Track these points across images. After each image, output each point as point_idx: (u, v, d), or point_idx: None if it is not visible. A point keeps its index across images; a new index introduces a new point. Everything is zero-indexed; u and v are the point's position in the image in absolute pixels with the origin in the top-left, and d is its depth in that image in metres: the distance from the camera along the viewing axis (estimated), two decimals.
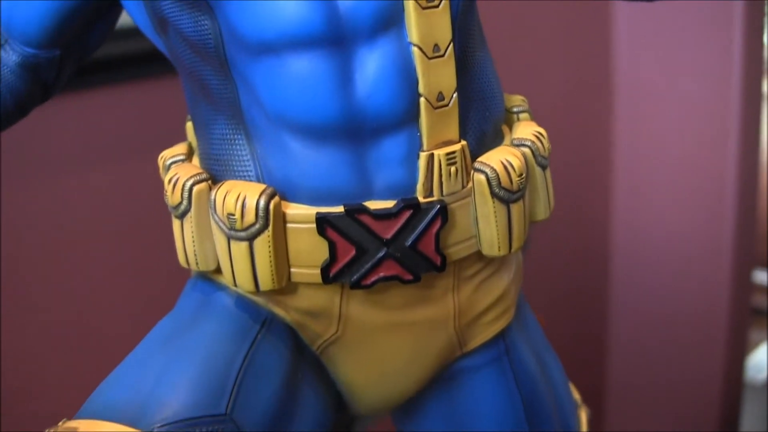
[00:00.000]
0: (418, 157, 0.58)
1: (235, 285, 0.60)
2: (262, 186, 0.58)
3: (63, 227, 1.07)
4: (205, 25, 0.58)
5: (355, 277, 0.59)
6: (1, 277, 1.03)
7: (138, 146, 1.11)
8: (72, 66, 0.70)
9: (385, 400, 0.69)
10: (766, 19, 1.56)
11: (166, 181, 0.62)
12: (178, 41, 0.61)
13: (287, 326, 0.63)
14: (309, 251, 0.59)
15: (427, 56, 0.57)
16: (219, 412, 0.57)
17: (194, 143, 0.66)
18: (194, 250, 0.61)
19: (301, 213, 0.58)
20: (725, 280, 1.63)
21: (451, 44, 0.58)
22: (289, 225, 0.58)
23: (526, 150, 0.63)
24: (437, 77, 0.58)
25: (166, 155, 0.65)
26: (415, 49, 0.57)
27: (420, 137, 0.58)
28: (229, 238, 0.58)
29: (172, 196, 0.61)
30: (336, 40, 0.56)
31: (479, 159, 0.60)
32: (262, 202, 0.57)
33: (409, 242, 0.59)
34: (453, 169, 0.59)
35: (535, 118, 0.69)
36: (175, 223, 0.62)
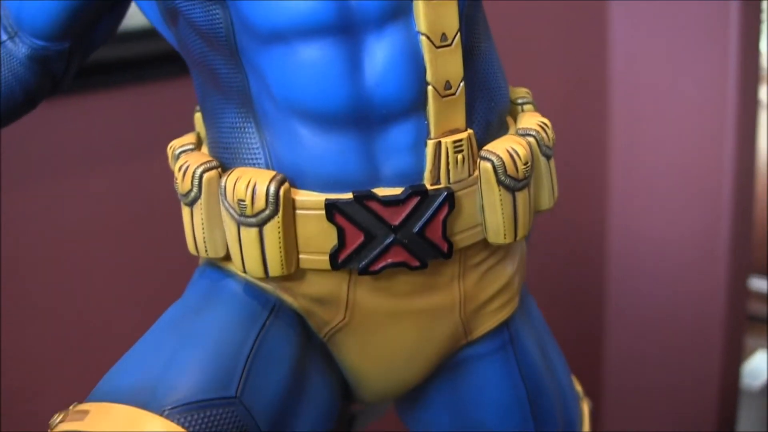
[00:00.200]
0: (425, 144, 0.59)
1: (245, 271, 0.60)
2: (272, 172, 0.59)
3: (63, 228, 1.07)
4: (217, 15, 0.59)
5: (363, 263, 0.60)
6: (1, 277, 1.03)
7: (137, 148, 1.11)
8: (81, 58, 0.70)
9: (391, 388, 0.69)
10: (762, 26, 1.57)
11: (176, 169, 0.62)
12: (188, 32, 0.62)
13: (295, 313, 0.64)
14: (318, 237, 0.59)
15: (434, 45, 0.58)
16: (229, 394, 0.58)
17: (203, 133, 0.67)
18: (203, 237, 0.62)
19: (310, 199, 0.59)
20: (721, 286, 1.63)
21: (459, 34, 0.59)
22: (298, 211, 0.59)
23: (531, 139, 0.64)
24: (445, 66, 0.59)
25: (175, 145, 0.66)
26: (423, 38, 0.58)
27: (427, 125, 0.59)
28: (239, 224, 0.59)
29: (183, 184, 0.61)
30: (345, 28, 0.57)
31: (485, 147, 0.61)
32: (272, 188, 0.57)
33: (416, 229, 0.59)
34: (460, 156, 0.60)
35: None
36: (185, 211, 0.62)
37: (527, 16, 1.50)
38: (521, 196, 0.62)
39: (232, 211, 0.59)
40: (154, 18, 0.66)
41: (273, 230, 0.58)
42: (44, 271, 1.07)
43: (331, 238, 0.59)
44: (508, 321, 0.69)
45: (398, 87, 0.58)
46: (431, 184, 0.60)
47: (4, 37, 0.67)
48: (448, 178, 0.60)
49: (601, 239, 1.76)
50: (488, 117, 0.63)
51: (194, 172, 0.60)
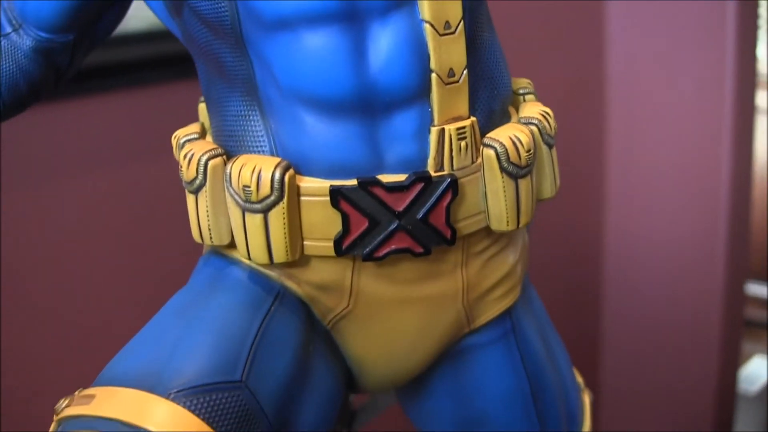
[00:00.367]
0: (429, 131, 0.60)
1: (249, 258, 0.61)
2: (277, 159, 0.59)
3: (63, 229, 1.07)
4: (222, 3, 0.59)
5: (367, 249, 0.60)
6: (1, 278, 1.03)
7: (136, 150, 1.12)
8: (85, 50, 0.70)
9: (393, 376, 0.70)
10: (760, 32, 1.58)
11: (180, 157, 0.63)
12: (193, 21, 0.62)
13: (299, 300, 0.64)
14: (322, 223, 0.60)
15: (438, 33, 0.59)
16: (234, 378, 0.58)
17: (207, 123, 0.67)
18: (208, 225, 0.62)
19: (315, 186, 0.59)
20: (718, 291, 1.64)
21: (462, 22, 0.60)
22: (303, 198, 0.59)
23: (534, 128, 0.64)
24: (448, 54, 0.59)
25: (180, 134, 0.66)
26: (427, 26, 0.59)
27: (431, 112, 0.60)
28: (244, 211, 0.59)
29: (188, 171, 0.61)
30: (350, 15, 0.58)
31: (488, 135, 0.62)
32: (277, 175, 0.58)
33: (420, 215, 0.60)
34: (463, 143, 0.60)
35: None
36: (190, 199, 0.62)
37: (525, 16, 1.50)
38: (524, 184, 0.62)
39: (237, 197, 0.59)
40: (158, 8, 0.66)
41: (278, 216, 0.59)
42: (44, 271, 1.07)
43: (335, 225, 0.60)
44: (510, 310, 0.70)
45: (402, 74, 0.58)
46: (435, 171, 0.60)
47: (9, 29, 0.67)
48: (452, 165, 0.60)
49: (598, 241, 1.76)
50: (491, 105, 0.64)
51: (199, 160, 0.61)
